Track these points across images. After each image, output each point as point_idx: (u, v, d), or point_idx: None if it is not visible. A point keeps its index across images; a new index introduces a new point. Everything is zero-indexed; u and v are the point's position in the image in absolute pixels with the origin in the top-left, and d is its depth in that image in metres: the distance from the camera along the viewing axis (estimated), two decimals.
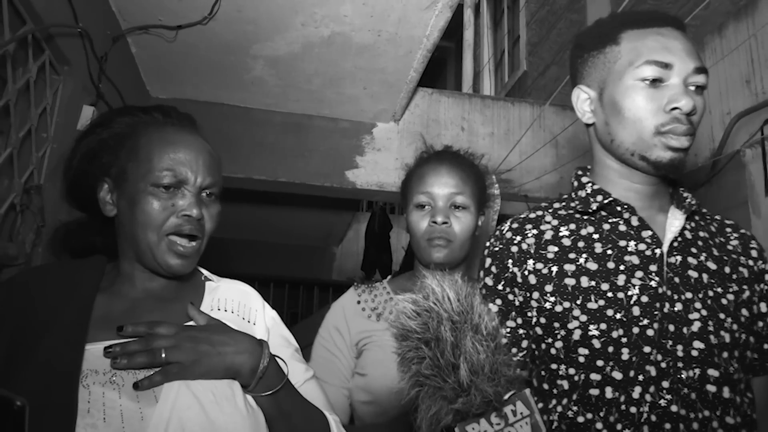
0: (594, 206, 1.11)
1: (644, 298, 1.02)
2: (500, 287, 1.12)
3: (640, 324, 1.01)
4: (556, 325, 1.05)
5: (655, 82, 1.04)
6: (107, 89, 2.47)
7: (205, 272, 1.16)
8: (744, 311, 1.06)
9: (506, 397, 0.81)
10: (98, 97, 2.42)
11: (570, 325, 1.04)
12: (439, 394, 0.79)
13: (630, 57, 1.06)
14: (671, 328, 1.01)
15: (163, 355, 0.89)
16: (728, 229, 1.16)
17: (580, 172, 1.20)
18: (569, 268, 1.07)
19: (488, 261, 1.15)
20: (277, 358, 1.01)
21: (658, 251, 1.06)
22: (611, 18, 1.15)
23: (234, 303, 1.10)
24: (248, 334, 0.99)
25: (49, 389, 0.83)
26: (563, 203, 1.18)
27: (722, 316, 1.03)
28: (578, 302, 1.04)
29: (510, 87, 6.38)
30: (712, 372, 1.00)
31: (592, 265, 1.06)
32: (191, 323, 0.99)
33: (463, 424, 0.80)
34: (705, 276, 1.06)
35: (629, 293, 1.03)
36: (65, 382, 0.84)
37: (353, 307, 1.51)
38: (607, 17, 1.16)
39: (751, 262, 1.12)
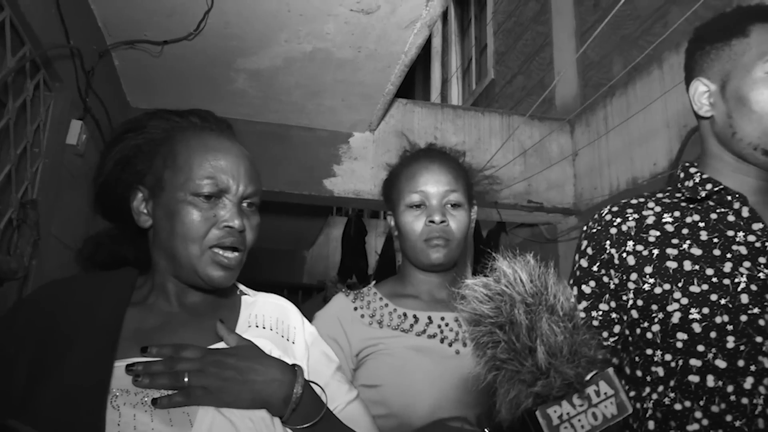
0: (702, 194, 1.08)
1: (753, 287, 0.98)
2: (595, 269, 1.10)
3: (750, 312, 0.97)
4: (654, 307, 1.03)
5: None
6: (92, 102, 2.52)
7: (241, 286, 1.09)
8: None
9: (588, 377, 0.77)
10: (85, 111, 2.47)
11: (669, 308, 1.00)
12: (517, 378, 0.77)
13: (761, 49, 1.03)
14: None
15: (186, 379, 0.83)
16: None
17: (687, 164, 1.16)
18: (671, 252, 1.04)
19: (584, 243, 1.13)
20: (313, 384, 0.93)
21: None
22: (738, 11, 1.12)
23: (272, 320, 1.03)
24: (279, 360, 0.91)
25: (76, 410, 0.77)
26: (667, 193, 1.15)
27: None
28: (679, 285, 1.01)
29: (478, 94, 6.57)
30: None
31: (697, 251, 1.03)
32: (221, 344, 0.94)
33: (544, 407, 0.76)
34: None
35: (736, 280, 0.99)
36: (92, 402, 0.78)
37: (350, 314, 1.38)
38: (732, 10, 1.14)
39: None
